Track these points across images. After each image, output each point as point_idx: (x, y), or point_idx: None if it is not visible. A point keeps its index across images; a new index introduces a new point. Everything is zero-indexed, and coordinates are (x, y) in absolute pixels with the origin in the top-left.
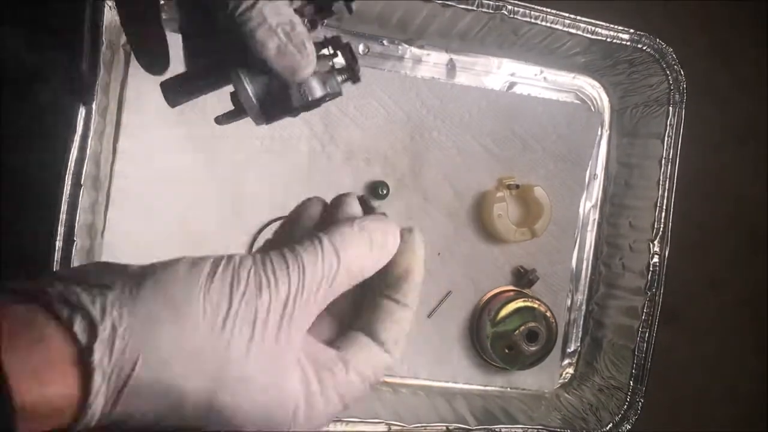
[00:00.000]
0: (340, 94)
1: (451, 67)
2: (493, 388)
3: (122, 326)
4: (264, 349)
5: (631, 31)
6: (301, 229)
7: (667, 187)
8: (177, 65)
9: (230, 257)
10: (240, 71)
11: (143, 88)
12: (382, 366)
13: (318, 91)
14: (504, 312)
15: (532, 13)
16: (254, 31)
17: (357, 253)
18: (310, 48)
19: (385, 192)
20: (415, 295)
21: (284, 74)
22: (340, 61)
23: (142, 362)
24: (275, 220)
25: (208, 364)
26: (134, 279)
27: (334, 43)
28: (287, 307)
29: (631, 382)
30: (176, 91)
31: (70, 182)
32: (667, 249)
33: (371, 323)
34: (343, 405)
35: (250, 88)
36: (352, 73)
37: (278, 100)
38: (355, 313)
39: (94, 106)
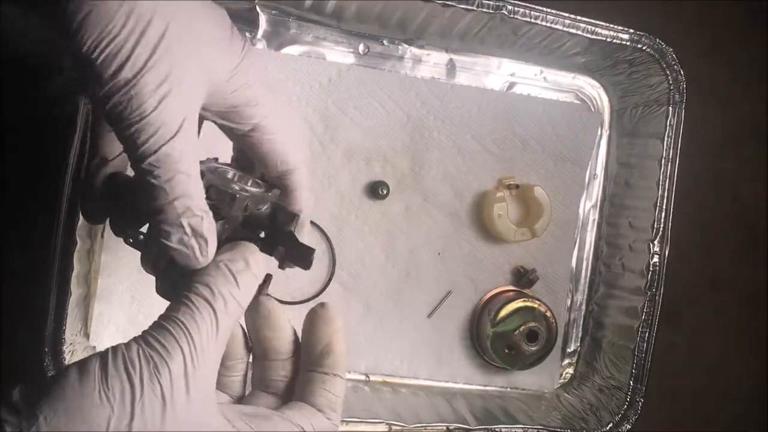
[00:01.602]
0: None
1: (451, 67)
2: (493, 388)
3: None
4: (181, 416)
5: (631, 31)
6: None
7: (667, 187)
8: None
9: (114, 348)
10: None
11: None
12: (324, 428)
13: None
14: (504, 312)
15: (532, 13)
16: (161, 222)
17: (226, 292)
18: (212, 248)
19: (385, 192)
20: (342, 363)
21: (179, 263)
22: None
23: None
24: None
25: None
26: (41, 402)
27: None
28: (188, 369)
29: (631, 382)
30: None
31: (70, 182)
32: (667, 249)
33: (307, 395)
34: None
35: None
36: (304, 260)
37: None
38: (291, 390)
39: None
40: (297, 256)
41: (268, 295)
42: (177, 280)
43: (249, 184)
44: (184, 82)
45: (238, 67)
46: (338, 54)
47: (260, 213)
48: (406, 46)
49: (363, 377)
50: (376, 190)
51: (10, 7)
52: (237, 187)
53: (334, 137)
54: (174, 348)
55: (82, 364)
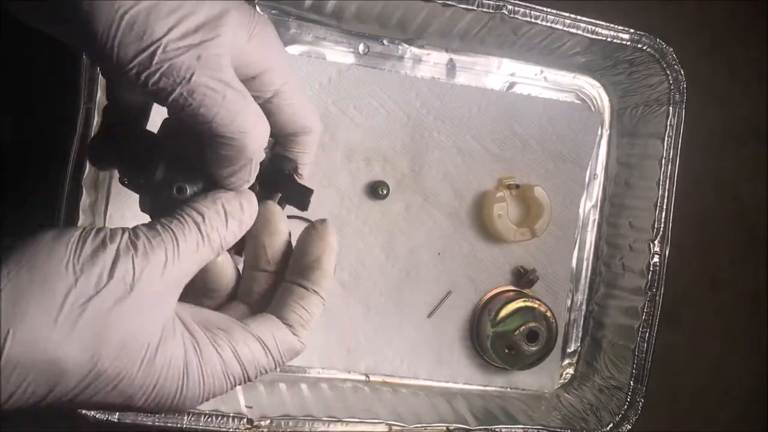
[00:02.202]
0: None
1: (451, 67)
2: (493, 388)
3: None
4: (141, 308)
5: (632, 30)
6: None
7: (667, 187)
8: None
9: (99, 228)
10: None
11: None
12: (287, 343)
13: None
14: (504, 312)
15: (532, 12)
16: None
17: (215, 226)
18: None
19: (385, 192)
20: (325, 282)
21: (226, 184)
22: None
23: (12, 339)
24: None
25: (83, 330)
26: (3, 255)
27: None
28: (165, 270)
29: (631, 382)
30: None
31: (70, 182)
32: (667, 249)
33: (280, 307)
34: (242, 370)
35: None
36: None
37: (163, 212)
38: (267, 302)
39: (93, 105)
40: (294, 196)
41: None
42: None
43: None
44: (215, 41)
45: (253, 34)
46: (338, 54)
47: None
48: (406, 46)
49: (363, 377)
50: (376, 190)
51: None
52: None
53: (334, 137)
54: (159, 245)
55: (62, 231)
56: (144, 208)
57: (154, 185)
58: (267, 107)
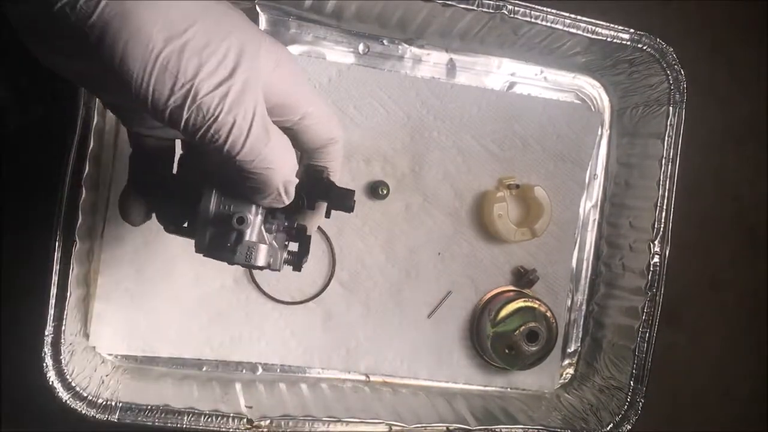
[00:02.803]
0: (277, 270)
1: (451, 67)
2: (493, 388)
3: None
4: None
5: (632, 30)
6: None
7: (667, 187)
8: None
9: None
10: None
11: None
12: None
13: (261, 261)
14: (504, 312)
15: (533, 12)
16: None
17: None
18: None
19: (385, 192)
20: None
21: (263, 206)
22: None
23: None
24: None
25: None
26: None
27: (300, 232)
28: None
29: (631, 382)
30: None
31: (70, 182)
32: (668, 249)
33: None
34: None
35: (209, 230)
36: (297, 261)
37: (224, 245)
38: None
39: (93, 105)
40: (338, 201)
41: None
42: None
43: None
44: (243, 74)
45: (279, 63)
46: (338, 54)
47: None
48: (406, 45)
49: (363, 377)
50: (376, 190)
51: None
52: None
53: None
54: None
55: None
56: (200, 248)
57: (205, 224)
58: (295, 129)
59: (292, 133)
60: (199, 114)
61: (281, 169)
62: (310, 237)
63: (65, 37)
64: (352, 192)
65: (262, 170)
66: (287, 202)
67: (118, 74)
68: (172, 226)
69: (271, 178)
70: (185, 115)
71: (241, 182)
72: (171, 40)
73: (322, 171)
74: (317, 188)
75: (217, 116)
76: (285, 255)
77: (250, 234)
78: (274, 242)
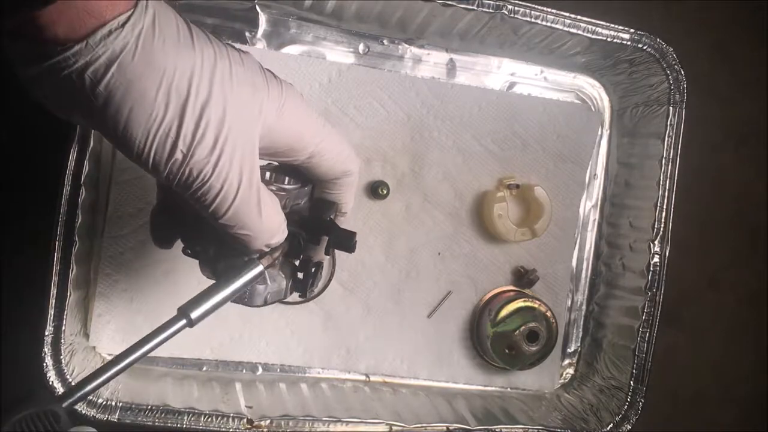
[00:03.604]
0: (282, 299)
1: (451, 66)
2: (493, 388)
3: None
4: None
5: (632, 30)
6: None
7: (667, 187)
8: None
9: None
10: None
11: None
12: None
13: (258, 301)
14: (504, 312)
15: (533, 12)
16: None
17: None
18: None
19: (385, 192)
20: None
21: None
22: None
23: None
24: None
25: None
26: None
27: (305, 264)
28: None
29: (631, 382)
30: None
31: (70, 182)
32: (668, 249)
33: None
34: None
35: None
36: (303, 289)
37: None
38: None
39: None
40: (340, 241)
41: None
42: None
43: (285, 182)
44: (235, 141)
45: (282, 108)
46: (338, 54)
47: (300, 207)
48: (406, 45)
49: (363, 377)
50: (376, 190)
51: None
52: (274, 188)
53: None
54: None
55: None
56: (206, 271)
57: (207, 261)
58: (304, 165)
59: (303, 168)
60: (190, 176)
61: (262, 235)
62: (318, 266)
63: (69, 99)
64: (353, 234)
65: (242, 236)
66: (274, 256)
67: (120, 138)
68: (189, 249)
69: (251, 243)
70: (178, 176)
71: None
72: (172, 107)
73: (331, 207)
74: (321, 225)
75: (207, 180)
76: (290, 283)
77: None
78: (279, 275)
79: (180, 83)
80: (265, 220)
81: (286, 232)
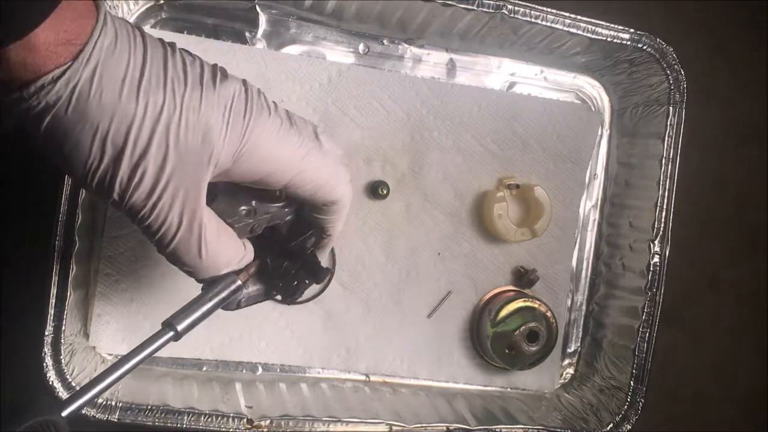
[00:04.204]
0: (260, 301)
1: (451, 66)
2: (493, 388)
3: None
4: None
5: (632, 30)
6: None
7: (667, 187)
8: None
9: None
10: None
11: None
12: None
13: (231, 306)
14: (504, 312)
15: (533, 12)
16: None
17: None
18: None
19: (385, 192)
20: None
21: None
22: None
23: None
24: None
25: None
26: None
27: (282, 273)
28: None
29: (631, 382)
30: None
31: (70, 182)
32: (668, 249)
33: None
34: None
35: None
36: (285, 297)
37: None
38: None
39: None
40: (314, 272)
41: None
42: None
43: (269, 201)
44: (176, 188)
45: (243, 151)
46: (338, 54)
47: (281, 226)
48: (406, 45)
49: (363, 377)
50: (376, 190)
51: None
52: (251, 221)
53: (334, 137)
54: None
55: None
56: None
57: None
58: (286, 191)
59: (287, 192)
60: (130, 214)
61: (204, 272)
62: (293, 277)
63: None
64: (327, 270)
65: (183, 270)
66: (250, 270)
67: (66, 173)
68: None
69: (195, 276)
70: (120, 210)
71: None
72: (107, 157)
73: (307, 230)
74: (300, 252)
75: (145, 220)
76: (266, 288)
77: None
78: (251, 281)
79: (116, 135)
80: (209, 258)
81: (247, 259)
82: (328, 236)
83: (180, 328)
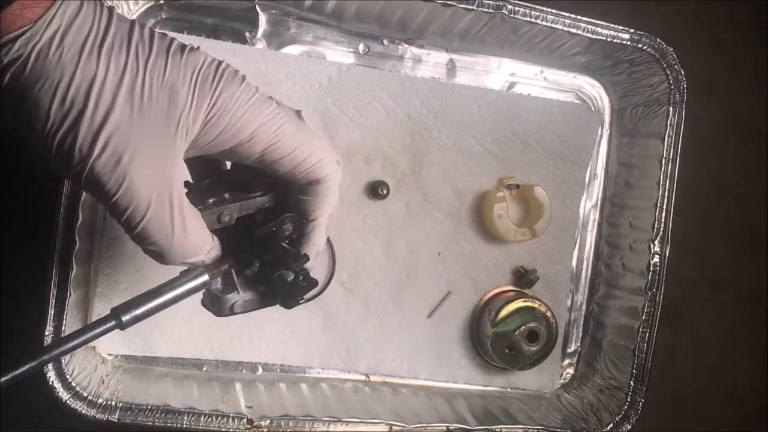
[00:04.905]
0: (255, 309)
1: (451, 67)
2: (493, 388)
3: None
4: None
5: (632, 30)
6: None
7: (667, 187)
8: None
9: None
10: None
11: None
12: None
13: (224, 311)
14: (504, 312)
15: (533, 12)
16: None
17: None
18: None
19: (385, 192)
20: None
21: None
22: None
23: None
24: None
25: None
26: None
27: (263, 277)
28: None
29: (631, 382)
30: None
31: (70, 182)
32: (668, 249)
33: None
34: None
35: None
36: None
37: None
38: None
39: None
40: (282, 261)
41: None
42: None
43: (245, 191)
44: (144, 158)
45: (210, 117)
46: (338, 54)
47: (256, 215)
48: (406, 45)
49: (363, 377)
50: (376, 190)
51: None
52: (219, 209)
53: (334, 137)
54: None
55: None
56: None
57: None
58: (262, 166)
59: (264, 168)
60: (94, 189)
61: (174, 255)
62: (269, 274)
63: None
64: (302, 257)
65: (151, 252)
66: (221, 266)
67: (25, 138)
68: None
69: (163, 260)
70: (82, 186)
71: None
72: (68, 119)
73: (280, 220)
74: (268, 244)
75: (111, 196)
76: (259, 295)
77: (215, 283)
78: (246, 286)
79: (76, 95)
80: (181, 237)
81: (215, 252)
82: (311, 222)
83: (125, 318)
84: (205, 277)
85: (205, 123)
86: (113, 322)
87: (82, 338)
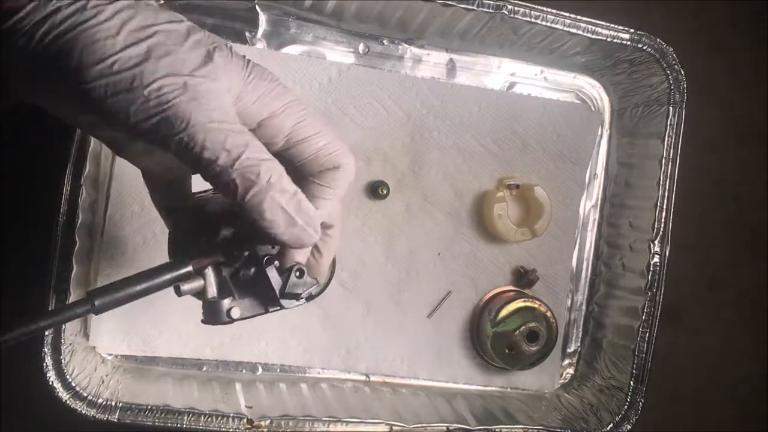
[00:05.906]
0: (258, 314)
1: (451, 66)
2: (493, 388)
3: None
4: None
5: (632, 30)
6: None
7: (667, 187)
8: None
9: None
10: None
11: None
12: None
13: (222, 318)
14: (504, 312)
15: (533, 12)
16: (264, 212)
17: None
18: (316, 224)
19: (385, 192)
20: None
21: (292, 246)
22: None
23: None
24: None
25: None
26: None
27: (251, 278)
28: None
29: (631, 382)
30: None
31: (70, 182)
32: (668, 249)
33: None
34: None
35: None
36: (269, 301)
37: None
38: None
39: None
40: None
41: None
42: None
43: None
44: (205, 91)
45: (245, 84)
46: (338, 54)
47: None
48: (406, 45)
49: (363, 377)
50: (376, 190)
51: None
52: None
53: None
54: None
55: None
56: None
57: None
58: (282, 153)
59: (285, 158)
60: (163, 127)
61: (229, 156)
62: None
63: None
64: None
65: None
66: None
67: (76, 87)
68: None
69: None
70: (148, 126)
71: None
72: (135, 51)
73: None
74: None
75: (186, 127)
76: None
77: (211, 291)
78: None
79: (133, 54)
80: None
81: (315, 237)
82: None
83: (98, 303)
84: (189, 268)
85: (245, 80)
86: (87, 307)
87: (52, 320)
